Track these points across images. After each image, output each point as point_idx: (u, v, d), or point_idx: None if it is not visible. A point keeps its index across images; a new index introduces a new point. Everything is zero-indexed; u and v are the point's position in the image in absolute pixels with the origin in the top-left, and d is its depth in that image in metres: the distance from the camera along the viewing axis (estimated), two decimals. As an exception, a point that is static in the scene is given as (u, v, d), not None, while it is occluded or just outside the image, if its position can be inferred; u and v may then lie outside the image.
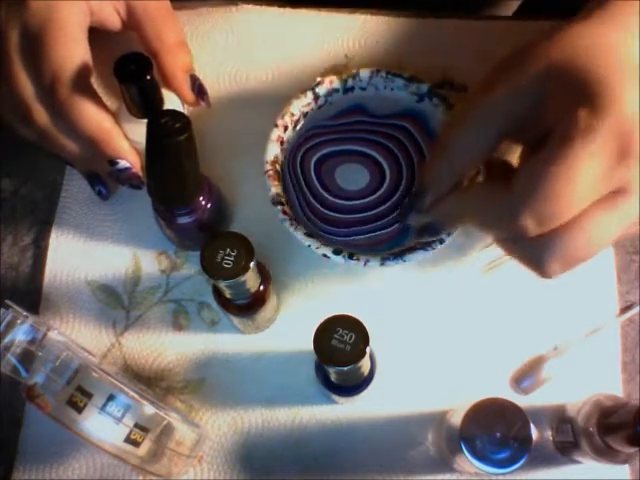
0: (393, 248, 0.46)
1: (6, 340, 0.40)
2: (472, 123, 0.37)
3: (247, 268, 0.38)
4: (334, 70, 0.53)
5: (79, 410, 0.39)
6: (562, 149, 0.32)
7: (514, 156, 0.40)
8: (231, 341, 0.49)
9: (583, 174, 0.32)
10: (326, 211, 0.49)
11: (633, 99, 0.32)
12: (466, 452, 0.40)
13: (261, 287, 0.43)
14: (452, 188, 0.39)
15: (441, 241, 0.44)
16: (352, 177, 0.50)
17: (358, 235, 0.48)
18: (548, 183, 0.32)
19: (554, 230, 0.34)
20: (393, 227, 0.48)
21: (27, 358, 0.40)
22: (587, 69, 0.33)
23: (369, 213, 0.49)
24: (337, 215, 0.49)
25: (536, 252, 0.35)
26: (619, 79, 0.32)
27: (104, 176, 0.48)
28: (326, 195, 0.49)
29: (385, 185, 0.49)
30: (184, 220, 0.45)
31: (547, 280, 0.36)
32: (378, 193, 0.49)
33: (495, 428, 0.40)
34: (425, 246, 0.44)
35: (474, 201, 0.38)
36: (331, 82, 0.48)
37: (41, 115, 0.43)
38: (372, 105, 0.50)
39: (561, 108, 0.33)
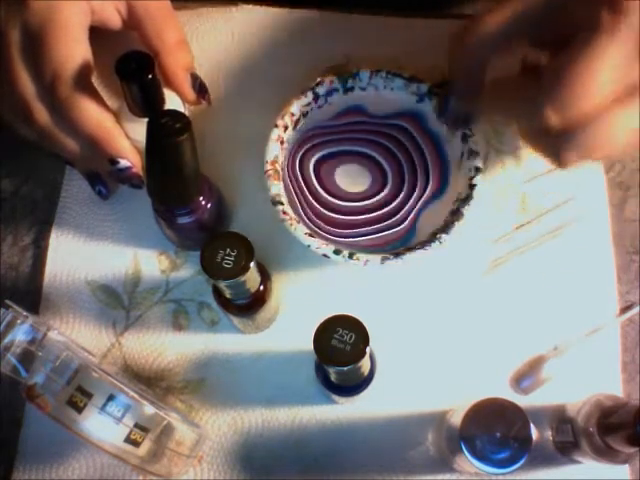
0: (400, 248, 0.46)
1: (6, 340, 0.39)
2: (499, 21, 0.39)
3: (247, 268, 0.38)
4: (334, 70, 0.53)
5: (79, 410, 0.39)
6: (585, 46, 0.35)
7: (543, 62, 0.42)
8: (231, 341, 0.49)
9: (603, 68, 0.35)
10: (329, 213, 0.49)
11: None
12: (466, 452, 0.40)
13: (261, 287, 0.43)
14: (479, 78, 0.42)
15: (441, 241, 0.44)
16: (353, 178, 0.50)
17: (364, 236, 0.48)
18: (570, 75, 0.35)
19: (574, 123, 0.36)
20: (400, 227, 0.48)
21: (27, 358, 0.40)
22: None
23: (374, 214, 0.49)
24: (341, 217, 0.49)
25: (557, 143, 0.37)
26: None
27: (104, 176, 0.48)
28: (328, 197, 0.49)
29: (388, 186, 0.49)
30: (184, 220, 0.45)
31: (562, 168, 0.39)
32: (382, 194, 0.49)
33: (495, 428, 0.40)
34: (425, 246, 0.44)
35: (506, 92, 0.41)
36: (331, 82, 0.48)
37: (42, 114, 0.43)
38: (371, 105, 0.50)
39: (584, 12, 0.36)
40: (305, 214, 0.48)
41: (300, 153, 0.50)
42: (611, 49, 0.34)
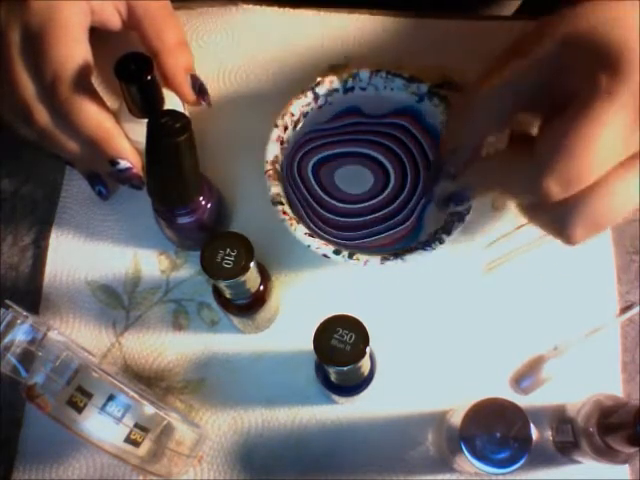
0: (409, 245, 0.46)
1: (6, 340, 0.39)
2: (493, 94, 0.38)
3: (247, 268, 0.38)
4: (334, 70, 0.53)
5: (79, 410, 0.39)
6: (584, 112, 0.33)
7: (534, 129, 0.41)
8: (231, 341, 0.49)
9: (605, 135, 0.33)
10: (334, 217, 0.49)
11: None
12: (466, 452, 0.40)
13: (261, 287, 0.43)
14: (474, 156, 0.40)
15: (441, 241, 0.44)
16: (354, 179, 0.50)
17: (371, 237, 0.48)
18: (571, 144, 0.33)
19: (577, 195, 0.34)
20: (407, 224, 0.48)
21: (27, 358, 0.40)
22: (606, 36, 0.34)
23: (379, 213, 0.49)
24: (346, 220, 0.49)
25: (560, 217, 0.36)
26: (638, 44, 0.33)
27: (104, 176, 0.48)
28: (332, 201, 0.49)
29: (391, 184, 0.49)
30: (184, 220, 0.45)
31: (571, 246, 0.37)
32: (385, 193, 0.49)
33: (495, 428, 0.40)
34: (425, 246, 0.44)
35: (499, 167, 0.39)
36: (331, 82, 0.48)
37: (42, 115, 0.43)
38: (368, 105, 0.50)
39: (581, 75, 0.34)
40: (310, 220, 0.48)
41: (297, 158, 0.50)
42: (611, 113, 0.32)
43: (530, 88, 0.37)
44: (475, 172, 0.40)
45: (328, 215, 0.49)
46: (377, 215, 0.49)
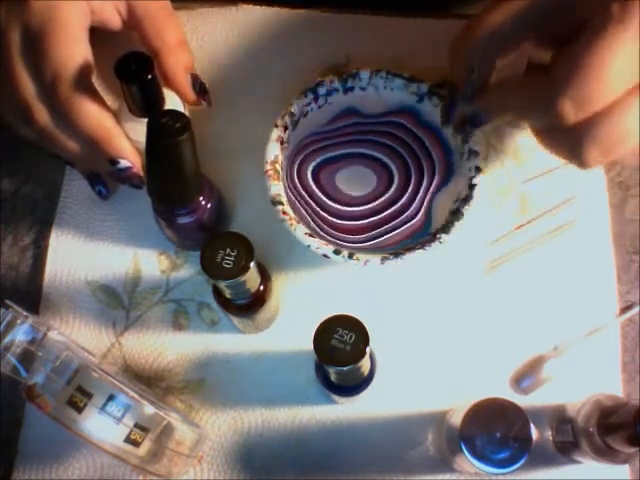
0: (419, 240, 0.46)
1: (6, 340, 0.39)
2: (503, 18, 0.39)
3: (247, 268, 0.38)
4: (334, 70, 0.53)
5: (79, 410, 0.39)
6: (598, 37, 0.34)
7: (547, 60, 0.41)
8: (231, 341, 0.49)
9: (618, 58, 0.34)
10: (340, 221, 0.49)
11: None
12: (466, 452, 0.40)
13: (261, 287, 0.43)
14: (487, 78, 0.41)
15: (441, 241, 0.44)
16: (356, 181, 0.50)
17: (381, 237, 0.48)
18: (585, 66, 0.34)
19: (592, 117, 0.35)
20: (415, 220, 0.48)
21: (27, 358, 0.40)
22: None
23: (386, 213, 0.49)
24: (353, 223, 0.49)
25: (574, 140, 0.36)
26: None
27: (104, 176, 0.48)
28: (336, 205, 0.49)
29: (395, 183, 0.49)
30: (184, 220, 0.45)
31: (586, 169, 0.38)
32: (390, 191, 0.49)
33: (495, 428, 0.40)
34: (425, 246, 0.44)
35: (515, 90, 0.40)
36: (331, 82, 0.48)
37: (42, 114, 0.43)
38: (367, 106, 0.50)
39: (592, 4, 0.35)
40: (317, 225, 0.48)
41: (296, 165, 0.50)
42: (623, 38, 0.34)
43: (541, 14, 0.38)
44: (491, 95, 0.41)
45: (334, 220, 0.49)
46: (385, 214, 0.49)
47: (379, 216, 0.49)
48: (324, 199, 0.49)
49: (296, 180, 0.49)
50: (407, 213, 0.49)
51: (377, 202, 0.49)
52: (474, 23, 0.40)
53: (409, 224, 0.48)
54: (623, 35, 0.34)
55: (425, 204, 0.49)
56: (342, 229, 0.49)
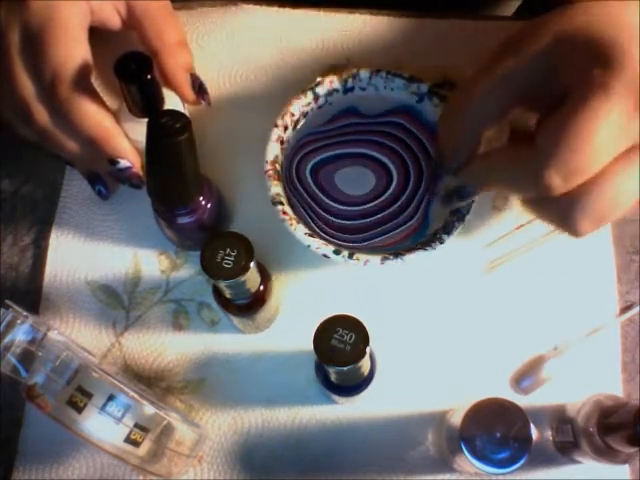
0: (414, 243, 0.46)
1: (6, 340, 0.39)
2: (486, 90, 0.38)
3: (247, 268, 0.38)
4: (334, 70, 0.53)
5: (79, 410, 0.39)
6: (581, 106, 0.33)
7: (531, 124, 0.41)
8: (231, 341, 0.49)
9: (603, 127, 0.33)
10: (338, 220, 0.49)
11: None
12: (466, 452, 0.40)
13: (261, 287, 0.43)
14: (473, 152, 0.41)
15: (441, 241, 0.44)
16: (354, 181, 0.50)
17: (378, 237, 0.48)
18: (570, 136, 0.34)
19: (580, 187, 0.35)
20: (412, 221, 0.48)
21: (27, 358, 0.40)
22: (599, 33, 0.34)
23: (384, 213, 0.49)
24: (351, 223, 0.49)
25: (564, 211, 0.36)
26: (630, 39, 0.34)
27: (104, 175, 0.48)
28: (335, 204, 0.49)
29: (394, 183, 0.49)
30: (184, 220, 0.45)
31: (578, 239, 0.37)
32: (389, 192, 0.49)
33: (495, 428, 0.40)
34: (425, 246, 0.44)
35: (500, 162, 0.39)
36: (331, 82, 0.48)
37: (41, 114, 0.43)
38: (367, 106, 0.50)
39: (575, 71, 0.35)
40: (316, 225, 0.48)
41: (295, 164, 0.50)
42: (607, 106, 0.33)
43: (524, 84, 0.37)
44: (476, 168, 0.41)
45: (333, 219, 0.49)
46: (383, 214, 0.49)
47: (378, 216, 0.49)
48: (324, 199, 0.49)
49: (296, 180, 0.49)
50: (406, 213, 0.49)
51: (376, 202, 0.49)
52: (459, 94, 0.40)
53: (408, 224, 0.48)
54: (607, 102, 0.33)
55: (424, 204, 0.49)
56: (342, 229, 0.49)
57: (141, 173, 0.45)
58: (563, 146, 0.34)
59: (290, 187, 0.49)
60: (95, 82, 0.45)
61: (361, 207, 0.49)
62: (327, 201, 0.49)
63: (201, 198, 0.44)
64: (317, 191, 0.49)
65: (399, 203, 0.49)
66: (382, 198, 0.49)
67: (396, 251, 0.44)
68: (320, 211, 0.49)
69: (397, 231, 0.48)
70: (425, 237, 0.46)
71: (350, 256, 0.44)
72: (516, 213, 0.51)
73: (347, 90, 0.49)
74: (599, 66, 0.33)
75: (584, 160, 0.34)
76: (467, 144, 0.41)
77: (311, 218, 0.48)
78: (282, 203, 0.45)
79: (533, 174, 0.35)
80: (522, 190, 0.38)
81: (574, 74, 0.35)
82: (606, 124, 0.33)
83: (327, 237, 0.47)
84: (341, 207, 0.49)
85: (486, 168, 0.40)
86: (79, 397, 0.39)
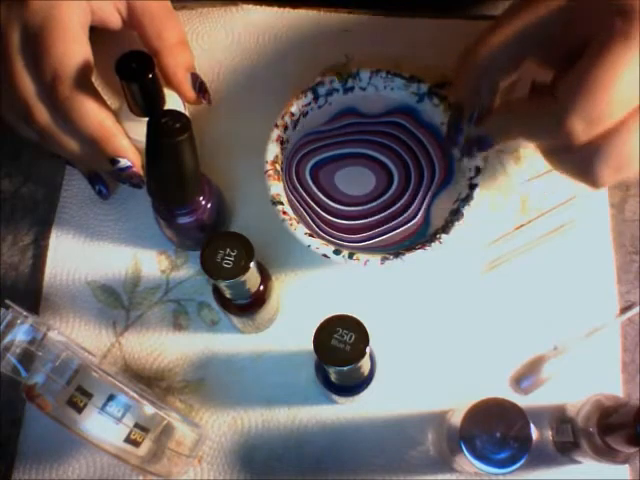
0: (415, 243, 0.46)
1: (6, 340, 0.39)
2: (506, 40, 0.38)
3: (247, 268, 0.38)
4: (334, 70, 0.53)
5: (79, 410, 0.39)
6: (602, 54, 0.34)
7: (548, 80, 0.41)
8: (231, 341, 0.49)
9: (625, 76, 0.33)
10: (338, 220, 0.49)
11: None
12: (466, 452, 0.40)
13: (261, 287, 0.43)
14: (491, 102, 0.41)
15: (441, 241, 0.44)
16: (355, 181, 0.50)
17: (378, 237, 0.48)
18: (592, 83, 0.34)
19: (602, 136, 0.35)
20: (413, 221, 0.48)
21: (27, 358, 0.40)
22: None
23: (385, 213, 0.49)
24: (351, 223, 0.49)
25: (586, 159, 0.36)
26: None
27: (104, 175, 0.48)
28: (335, 205, 0.49)
29: (394, 183, 0.49)
30: (184, 220, 0.45)
31: (598, 189, 0.37)
32: (389, 192, 0.49)
33: (495, 428, 0.40)
34: (425, 246, 0.44)
35: (521, 111, 0.39)
36: (331, 82, 0.48)
37: (42, 114, 0.43)
38: (367, 106, 0.50)
39: (595, 22, 0.35)
40: (317, 225, 0.48)
41: (295, 163, 0.50)
42: (628, 55, 0.33)
43: (543, 35, 0.38)
44: (498, 117, 0.41)
45: (333, 219, 0.49)
46: (384, 215, 0.49)
47: (379, 216, 0.49)
48: (324, 199, 0.49)
49: (295, 180, 0.49)
50: (407, 213, 0.49)
51: (377, 202, 0.49)
52: (475, 44, 0.40)
53: (409, 224, 0.48)
54: (628, 50, 0.33)
55: (425, 204, 0.49)
56: (342, 229, 0.49)
57: (141, 172, 0.45)
58: (585, 94, 0.34)
59: (290, 187, 0.49)
60: (96, 81, 0.45)
61: (361, 207, 0.49)
62: (327, 201, 0.49)
63: (201, 198, 0.44)
64: (317, 191, 0.49)
65: (400, 203, 0.49)
66: (383, 198, 0.49)
67: (396, 251, 0.44)
68: (320, 211, 0.49)
69: (398, 231, 0.48)
70: (425, 237, 0.46)
71: (350, 256, 0.44)
72: (516, 212, 0.51)
73: (347, 90, 0.49)
74: (620, 15, 0.34)
75: (606, 107, 0.34)
76: (486, 92, 0.41)
77: (311, 218, 0.48)
78: (282, 203, 0.45)
79: (555, 122, 0.35)
80: (543, 139, 0.39)
81: (594, 24, 0.35)
82: (627, 72, 0.33)
83: (327, 237, 0.47)
84: (341, 207, 0.49)
85: (507, 117, 0.40)
86: (79, 397, 0.39)
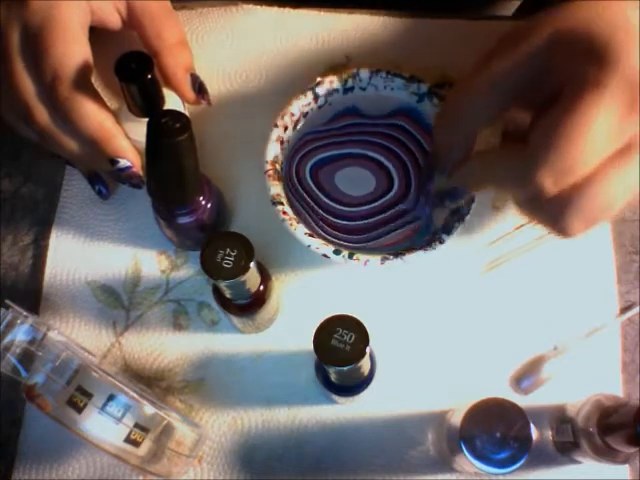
0: (415, 243, 0.46)
1: (6, 340, 0.39)
2: (481, 91, 0.38)
3: (247, 268, 0.38)
4: (334, 70, 0.53)
5: (79, 410, 0.39)
6: (574, 104, 0.33)
7: (525, 124, 0.41)
8: (231, 341, 0.49)
9: (595, 126, 0.32)
10: (340, 221, 0.49)
11: (638, 55, 0.33)
12: (466, 452, 0.40)
13: (261, 287, 0.43)
14: (467, 153, 0.40)
15: (441, 241, 0.44)
16: (355, 181, 0.50)
17: (381, 237, 0.48)
18: (561, 136, 0.33)
19: (572, 188, 0.34)
20: (415, 223, 0.48)
21: (27, 358, 0.40)
22: (593, 31, 0.34)
23: (387, 213, 0.49)
24: (354, 223, 0.49)
25: (557, 211, 0.35)
26: (624, 38, 0.33)
27: (104, 175, 0.48)
28: (337, 206, 0.49)
29: (395, 184, 0.49)
30: (184, 220, 0.45)
31: (570, 239, 0.37)
32: (391, 193, 0.49)
33: (495, 428, 0.40)
34: (425, 246, 0.44)
35: (492, 162, 0.38)
36: (331, 82, 0.48)
37: (42, 114, 0.43)
38: (367, 106, 0.50)
39: (569, 69, 0.34)
40: (317, 225, 0.48)
41: (295, 163, 0.50)
42: (600, 104, 0.32)
43: (518, 84, 0.37)
44: (469, 169, 0.40)
45: (333, 219, 0.49)
46: (386, 215, 0.49)
47: (379, 217, 0.49)
48: (324, 199, 0.49)
49: (295, 180, 0.49)
50: (408, 215, 0.49)
51: (378, 203, 0.49)
52: (455, 96, 0.40)
53: (411, 225, 0.48)
54: (601, 99, 0.32)
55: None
56: (342, 229, 0.49)
57: (141, 173, 0.45)
58: (553, 146, 0.33)
59: (290, 187, 0.49)
60: (95, 82, 0.45)
61: (361, 208, 0.49)
62: (327, 201, 0.49)
63: (201, 198, 0.44)
64: (317, 191, 0.49)
65: (398, 206, 0.49)
66: (384, 199, 0.49)
67: (396, 251, 0.44)
68: (320, 211, 0.49)
69: (398, 232, 0.48)
70: (426, 238, 0.46)
71: (350, 256, 0.44)
72: (516, 213, 0.51)
73: (347, 90, 0.49)
74: (593, 64, 0.33)
75: (574, 160, 0.33)
76: (462, 145, 0.40)
77: (311, 218, 0.48)
78: (282, 203, 0.45)
79: (525, 175, 0.34)
80: (514, 191, 0.38)
81: (568, 73, 0.34)
82: (599, 122, 0.33)
83: (327, 237, 0.47)
84: (341, 207, 0.49)
85: (478, 169, 0.40)
86: (79, 397, 0.39)
